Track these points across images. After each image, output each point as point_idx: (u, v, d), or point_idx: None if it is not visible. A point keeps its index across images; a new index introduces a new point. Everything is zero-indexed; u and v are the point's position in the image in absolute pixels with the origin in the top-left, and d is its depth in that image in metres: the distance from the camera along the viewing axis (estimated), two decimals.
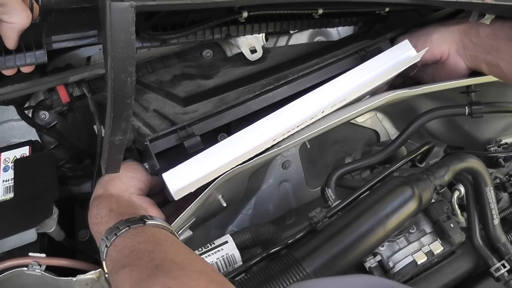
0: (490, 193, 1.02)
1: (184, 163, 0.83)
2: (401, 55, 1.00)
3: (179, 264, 0.66)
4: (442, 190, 1.01)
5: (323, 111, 0.93)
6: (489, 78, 1.07)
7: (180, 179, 0.83)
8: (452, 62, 1.08)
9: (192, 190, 0.85)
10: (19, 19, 0.67)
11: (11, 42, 0.71)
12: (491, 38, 1.02)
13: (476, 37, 1.04)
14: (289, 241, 0.92)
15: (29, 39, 0.77)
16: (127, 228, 0.74)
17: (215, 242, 0.92)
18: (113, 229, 0.75)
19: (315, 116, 0.93)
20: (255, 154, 0.88)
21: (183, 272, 0.64)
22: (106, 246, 0.74)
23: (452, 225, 0.99)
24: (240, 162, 0.86)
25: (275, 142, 0.91)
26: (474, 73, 1.09)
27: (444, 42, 1.06)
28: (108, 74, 0.60)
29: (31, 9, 0.69)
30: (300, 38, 1.30)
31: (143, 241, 0.72)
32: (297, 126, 0.90)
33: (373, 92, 1.07)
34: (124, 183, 0.87)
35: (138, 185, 0.88)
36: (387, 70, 0.98)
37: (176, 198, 0.83)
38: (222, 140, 0.87)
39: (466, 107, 1.09)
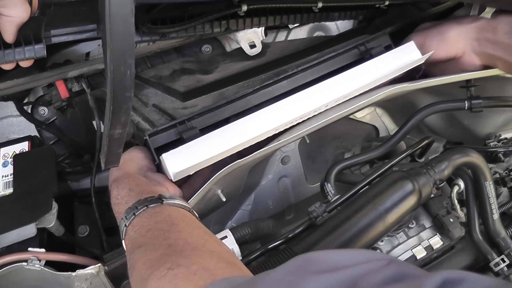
0: (489, 188, 1.02)
1: (185, 145, 0.84)
2: (405, 56, 1.00)
3: (191, 244, 0.67)
4: (442, 184, 1.01)
5: (324, 107, 0.93)
6: (489, 72, 1.07)
7: (180, 160, 0.84)
8: (467, 60, 1.07)
9: (191, 173, 0.85)
10: (18, 12, 0.66)
11: (9, 35, 0.71)
12: (509, 36, 1.01)
13: (493, 35, 1.03)
14: (289, 236, 0.92)
15: (28, 33, 0.76)
16: (145, 208, 0.75)
17: None
18: (131, 209, 0.76)
19: (315, 111, 0.93)
20: (256, 141, 0.88)
21: (195, 252, 0.65)
22: (125, 225, 0.76)
23: (451, 219, 0.99)
24: (239, 149, 0.87)
25: (277, 131, 0.91)
26: None
27: (460, 40, 1.06)
28: (108, 67, 0.59)
29: (30, 3, 0.68)
30: (299, 33, 1.30)
31: (160, 220, 0.73)
32: (298, 119, 0.90)
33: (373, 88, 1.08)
34: (138, 163, 0.88)
35: (150, 164, 0.89)
36: (390, 71, 0.97)
37: (174, 180, 0.84)
38: None
39: (466, 101, 1.08)
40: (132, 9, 0.54)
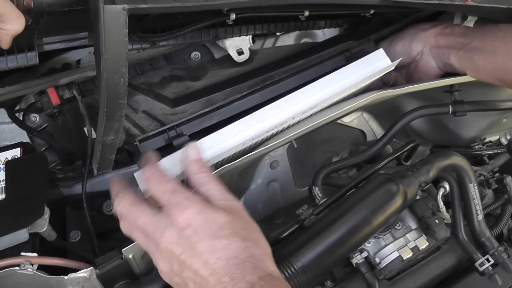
0: (474, 190, 1.04)
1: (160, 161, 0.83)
2: (374, 63, 1.02)
3: None
4: (427, 186, 1.03)
5: (298, 115, 0.94)
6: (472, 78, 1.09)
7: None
8: (424, 61, 1.12)
9: None
10: (13, 26, 0.68)
11: (5, 45, 0.72)
12: (464, 34, 1.05)
13: (450, 35, 1.07)
14: (277, 238, 0.93)
15: (20, 41, 0.78)
16: None
17: None
18: None
19: (291, 118, 0.94)
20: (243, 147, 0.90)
21: None
22: None
23: (437, 221, 1.01)
24: (224, 156, 0.88)
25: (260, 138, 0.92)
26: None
27: (420, 43, 1.09)
28: (101, 75, 0.61)
29: (24, 13, 0.70)
30: (287, 40, 1.32)
31: None
32: (276, 127, 0.92)
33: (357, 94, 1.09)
34: None
35: None
36: (359, 79, 0.99)
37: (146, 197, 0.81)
38: None
39: (450, 106, 1.11)
40: (126, 20, 0.55)
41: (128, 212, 0.74)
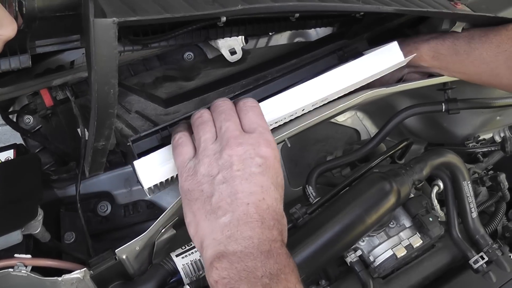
0: (468, 187, 1.04)
1: (157, 151, 0.83)
2: (388, 57, 1.01)
3: None
4: (421, 184, 1.03)
5: (303, 109, 0.94)
6: None
7: (152, 167, 0.82)
8: (412, 76, 1.14)
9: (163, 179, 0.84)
10: (5, 32, 0.69)
11: None
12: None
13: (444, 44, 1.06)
14: None
15: (13, 44, 0.78)
16: None
17: None
18: None
19: (295, 113, 0.94)
20: None
21: None
22: None
23: (431, 219, 1.01)
24: None
25: None
26: None
27: (418, 46, 1.09)
28: (92, 86, 0.62)
29: (16, 18, 0.70)
30: (280, 39, 1.32)
31: None
32: (275, 122, 0.92)
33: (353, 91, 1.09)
34: None
35: None
36: (373, 72, 0.98)
37: (146, 187, 0.82)
38: None
39: (443, 104, 1.11)
40: (115, 33, 0.56)
41: (226, 109, 0.77)
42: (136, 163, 0.81)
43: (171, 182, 0.86)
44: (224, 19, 0.82)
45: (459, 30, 1.08)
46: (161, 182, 0.83)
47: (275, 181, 0.74)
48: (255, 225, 0.69)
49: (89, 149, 0.75)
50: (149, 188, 0.82)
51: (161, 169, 0.81)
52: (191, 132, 0.80)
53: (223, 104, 0.78)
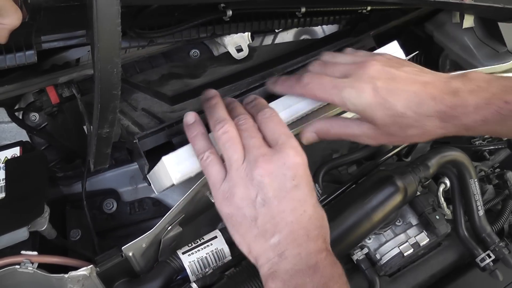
0: (474, 185, 1.04)
1: (183, 147, 0.83)
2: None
3: None
4: (427, 182, 1.03)
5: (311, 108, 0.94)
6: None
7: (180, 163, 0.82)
8: None
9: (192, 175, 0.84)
10: (10, 20, 0.68)
11: (1, 40, 0.72)
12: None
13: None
14: None
15: (19, 40, 0.78)
16: None
17: (204, 237, 0.94)
18: None
19: (303, 111, 0.94)
20: None
21: None
22: None
23: (437, 217, 1.01)
24: None
25: None
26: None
27: None
28: (95, 66, 0.61)
29: (20, 8, 0.70)
30: (286, 36, 1.32)
31: None
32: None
33: None
34: None
35: None
36: None
37: (176, 183, 0.81)
38: None
39: None
40: (118, 9, 0.55)
41: (248, 127, 0.78)
42: (165, 158, 0.81)
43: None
44: (230, 12, 0.82)
45: (470, 24, 1.07)
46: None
47: (309, 186, 0.75)
48: (301, 241, 0.71)
49: (93, 138, 0.74)
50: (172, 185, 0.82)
51: (189, 164, 0.82)
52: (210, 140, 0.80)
53: (245, 122, 0.78)
